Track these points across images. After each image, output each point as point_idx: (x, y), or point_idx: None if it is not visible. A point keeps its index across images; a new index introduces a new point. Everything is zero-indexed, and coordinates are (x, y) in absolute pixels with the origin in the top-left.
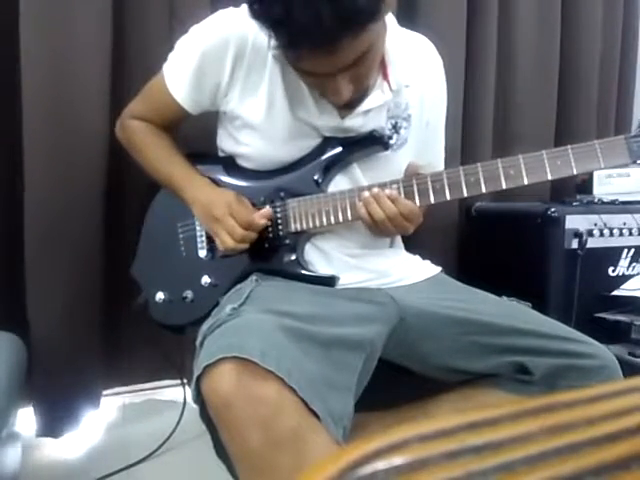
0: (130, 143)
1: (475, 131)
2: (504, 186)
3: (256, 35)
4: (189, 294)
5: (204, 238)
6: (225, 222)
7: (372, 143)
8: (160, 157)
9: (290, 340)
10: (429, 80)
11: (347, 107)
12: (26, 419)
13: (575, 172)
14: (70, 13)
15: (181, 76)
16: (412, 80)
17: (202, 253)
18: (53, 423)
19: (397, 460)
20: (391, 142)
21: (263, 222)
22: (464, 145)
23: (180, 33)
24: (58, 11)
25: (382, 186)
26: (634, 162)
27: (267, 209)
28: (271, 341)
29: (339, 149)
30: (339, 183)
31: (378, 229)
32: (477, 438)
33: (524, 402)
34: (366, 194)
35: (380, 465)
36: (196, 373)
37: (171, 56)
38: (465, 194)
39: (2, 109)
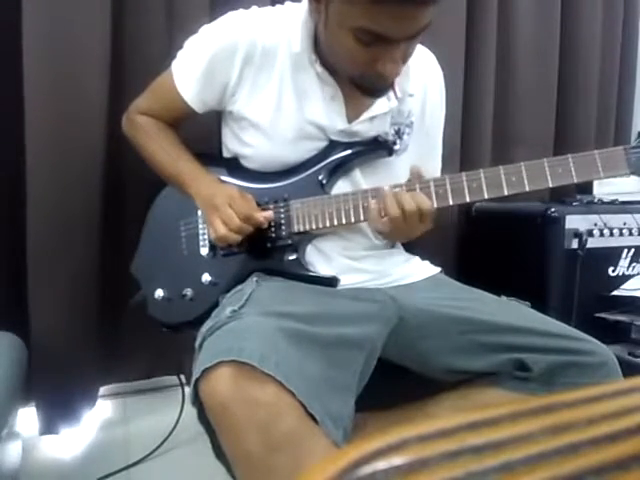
0: (136, 138)
1: (474, 130)
2: (506, 192)
3: (266, 37)
4: (189, 292)
5: (206, 235)
6: (223, 211)
7: (377, 148)
8: (167, 153)
9: (290, 342)
10: (431, 91)
11: (377, 94)
12: (27, 418)
13: (575, 180)
14: (70, 15)
15: (190, 75)
16: (416, 90)
17: (204, 251)
18: (53, 421)
19: (397, 460)
20: (395, 147)
21: (262, 220)
22: (463, 144)
23: (179, 33)
24: (58, 11)
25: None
26: (633, 173)
27: (270, 212)
28: (270, 344)
29: (346, 152)
30: (341, 187)
31: (390, 227)
32: (477, 438)
33: (524, 402)
34: (386, 188)
35: (380, 465)
36: (195, 376)
37: (180, 54)
38: (468, 199)
39: (5, 112)
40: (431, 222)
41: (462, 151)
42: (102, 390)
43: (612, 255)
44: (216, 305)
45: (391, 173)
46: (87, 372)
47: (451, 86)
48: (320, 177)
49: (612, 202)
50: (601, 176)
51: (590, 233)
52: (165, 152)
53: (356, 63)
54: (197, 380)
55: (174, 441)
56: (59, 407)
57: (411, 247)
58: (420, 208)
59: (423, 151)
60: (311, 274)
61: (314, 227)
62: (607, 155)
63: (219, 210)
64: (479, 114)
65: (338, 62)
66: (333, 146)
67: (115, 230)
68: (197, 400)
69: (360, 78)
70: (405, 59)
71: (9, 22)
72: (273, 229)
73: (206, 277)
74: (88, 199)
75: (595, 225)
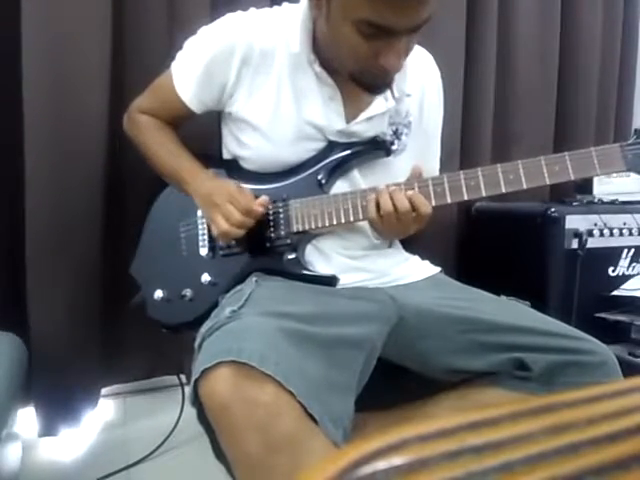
0: (137, 136)
1: (474, 130)
2: (504, 190)
3: (263, 39)
4: (188, 292)
5: (206, 236)
6: (224, 207)
7: (375, 148)
8: (167, 151)
9: (290, 342)
10: (428, 92)
11: (377, 91)
12: (27, 419)
13: (573, 178)
14: (70, 15)
15: (188, 77)
16: (413, 90)
17: (203, 251)
18: (53, 422)
19: (397, 460)
20: (393, 148)
21: (261, 210)
22: (463, 144)
23: (180, 33)
24: (58, 12)
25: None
26: (629, 170)
27: (264, 197)
28: (270, 344)
29: (345, 152)
30: (339, 187)
31: (382, 223)
32: (477, 438)
33: (524, 402)
34: (382, 187)
35: (380, 465)
36: (194, 376)
37: (179, 55)
38: (465, 197)
39: (5, 112)
40: (426, 222)
41: (462, 151)
42: (102, 390)
43: (612, 255)
44: (216, 305)
45: (389, 173)
46: (87, 372)
47: (451, 86)
48: (319, 177)
49: (612, 202)
50: (598, 173)
51: (590, 233)
52: (165, 150)
53: (358, 57)
54: (196, 380)
55: (174, 441)
56: (59, 408)
57: (411, 247)
58: (416, 208)
59: (421, 153)
60: (310, 273)
61: (313, 227)
62: (603, 152)
63: (219, 207)
64: (479, 114)
65: (339, 58)
66: (332, 146)
67: (115, 230)
68: (197, 400)
69: (360, 74)
70: (406, 53)
71: (9, 22)
72: (272, 229)
73: (205, 277)
74: (88, 199)
75: (595, 225)
